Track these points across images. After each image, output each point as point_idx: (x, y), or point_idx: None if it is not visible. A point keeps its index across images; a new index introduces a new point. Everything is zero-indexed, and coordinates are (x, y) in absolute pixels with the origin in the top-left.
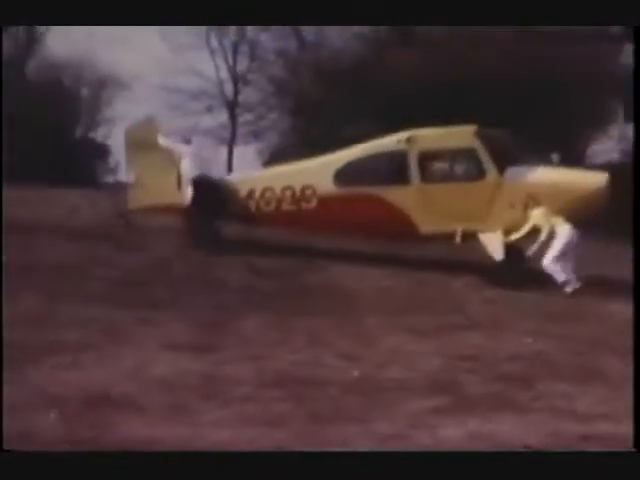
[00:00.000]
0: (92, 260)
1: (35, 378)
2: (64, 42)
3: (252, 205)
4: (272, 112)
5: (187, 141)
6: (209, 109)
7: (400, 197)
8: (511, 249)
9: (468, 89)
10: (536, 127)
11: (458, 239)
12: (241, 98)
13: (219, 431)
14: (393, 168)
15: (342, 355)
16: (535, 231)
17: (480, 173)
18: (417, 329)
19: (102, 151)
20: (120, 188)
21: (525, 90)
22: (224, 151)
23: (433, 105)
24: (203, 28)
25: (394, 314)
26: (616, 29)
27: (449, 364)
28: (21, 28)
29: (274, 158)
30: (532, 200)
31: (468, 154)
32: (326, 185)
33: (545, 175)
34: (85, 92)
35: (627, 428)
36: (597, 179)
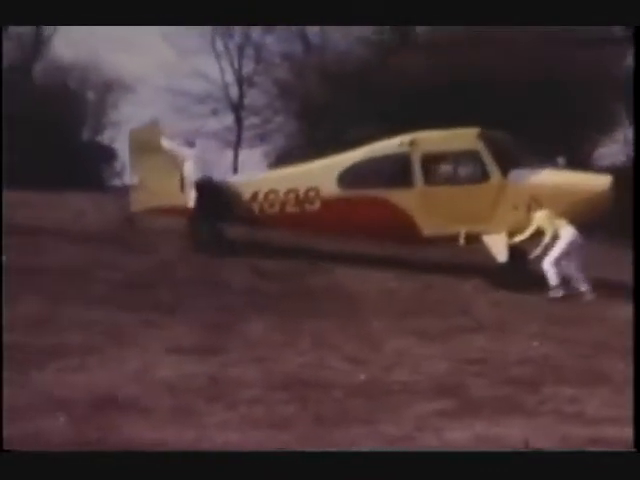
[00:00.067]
0: (97, 263)
1: (41, 381)
2: (70, 45)
3: (256, 207)
4: (278, 115)
5: (190, 144)
6: (214, 112)
7: (403, 199)
8: (515, 251)
9: (473, 91)
10: (542, 130)
11: (462, 241)
12: (247, 101)
13: (225, 433)
14: (396, 170)
15: (348, 358)
16: (538, 233)
17: (484, 175)
18: (423, 332)
19: (108, 154)
20: (126, 191)
21: (530, 93)
22: (229, 154)
23: (438, 108)
24: (208, 31)
25: (400, 317)
26: (621, 32)
27: (455, 367)
28: (27, 31)
29: (280, 161)
30: (535, 202)
31: (471, 156)
32: (330, 187)
33: (548, 177)
34: (91, 95)
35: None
36: (601, 182)
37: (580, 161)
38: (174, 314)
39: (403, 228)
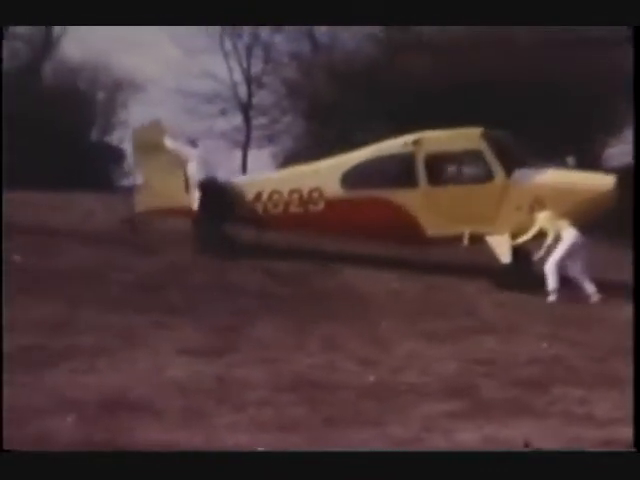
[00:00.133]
0: (107, 264)
1: (52, 382)
2: (79, 46)
3: (259, 208)
4: (286, 115)
5: (193, 144)
6: (223, 112)
7: (407, 200)
8: (519, 252)
9: (481, 92)
10: (551, 131)
11: (465, 242)
12: (255, 101)
13: (234, 435)
14: (400, 171)
15: (357, 359)
16: (541, 234)
17: (487, 175)
18: (432, 333)
19: (117, 155)
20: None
21: (538, 94)
22: (237, 154)
23: (446, 108)
24: (217, 31)
25: (409, 318)
26: (629, 33)
27: (464, 368)
28: (37, 32)
29: (288, 161)
30: (538, 203)
31: (475, 156)
32: (333, 188)
33: (552, 177)
34: (100, 95)
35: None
36: (605, 181)
37: (589, 161)
38: (185, 316)
39: (407, 228)
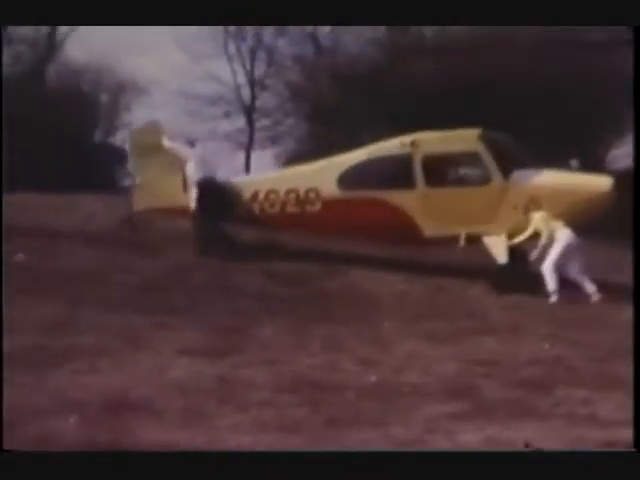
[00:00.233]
0: (109, 265)
1: (55, 382)
2: (83, 48)
3: (256, 207)
4: (289, 117)
5: (191, 144)
6: (227, 114)
7: (404, 201)
8: (515, 253)
9: (484, 94)
10: (555, 133)
11: (462, 242)
12: (258, 103)
13: (236, 436)
14: (397, 171)
15: (359, 360)
16: (537, 235)
17: (485, 177)
18: (434, 334)
19: (120, 156)
20: None
21: (542, 96)
22: (241, 156)
23: (449, 110)
24: (221, 34)
25: (411, 319)
26: (629, 34)
27: (466, 369)
28: (41, 34)
29: (291, 163)
30: (533, 204)
31: (472, 158)
32: (330, 188)
33: (548, 178)
34: (104, 97)
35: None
36: (601, 183)
37: (594, 163)
38: (187, 317)
39: (404, 229)
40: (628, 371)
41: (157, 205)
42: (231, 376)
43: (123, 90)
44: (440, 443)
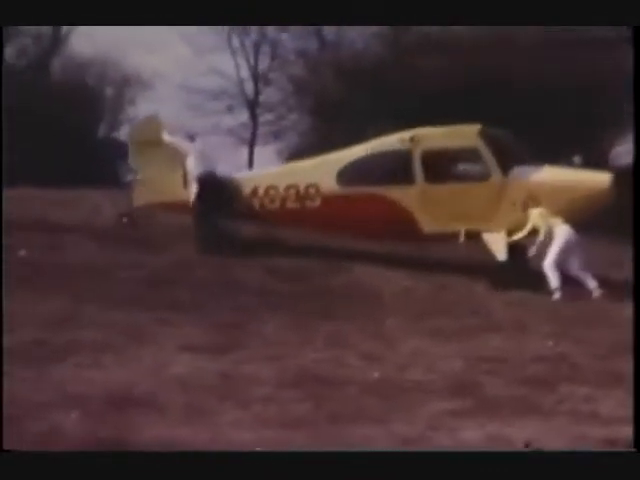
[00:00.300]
0: (112, 261)
1: (58, 377)
2: (88, 42)
3: (256, 203)
4: (292, 112)
5: (191, 138)
6: (230, 108)
7: (404, 196)
8: (515, 250)
9: (487, 91)
10: (558, 129)
11: (462, 239)
12: (262, 98)
13: (239, 432)
14: (396, 167)
15: (362, 356)
16: (536, 231)
17: (484, 173)
18: (438, 331)
19: (125, 151)
20: None
21: (545, 93)
22: (244, 150)
23: (453, 107)
24: (225, 29)
25: (415, 316)
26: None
27: (470, 366)
28: (45, 28)
29: (294, 158)
30: (532, 200)
31: (472, 154)
32: (329, 184)
33: (548, 175)
34: (109, 91)
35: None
36: (601, 179)
37: (596, 160)
38: (190, 313)
39: (403, 225)
40: (629, 368)
41: (157, 200)
42: (233, 372)
43: (128, 84)
44: (443, 440)
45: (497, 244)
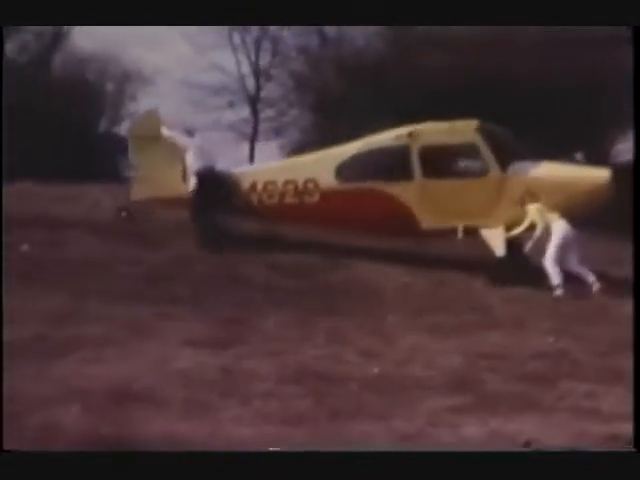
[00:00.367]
0: (114, 256)
1: (59, 372)
2: (89, 38)
3: (254, 198)
4: (293, 108)
5: (190, 133)
6: (231, 104)
7: (402, 192)
8: (514, 245)
9: (488, 89)
10: (560, 126)
11: (460, 235)
12: (263, 94)
13: (239, 428)
14: (395, 163)
15: (362, 353)
16: (533, 227)
17: (482, 169)
18: (438, 327)
19: (125, 146)
20: None
21: (546, 91)
22: (245, 146)
23: (454, 105)
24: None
25: (414, 312)
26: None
27: (470, 363)
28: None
29: (295, 154)
30: (529, 196)
31: (470, 149)
32: (328, 179)
33: (546, 171)
34: (109, 87)
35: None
36: (600, 175)
37: (598, 157)
38: (191, 307)
39: (402, 221)
40: (629, 365)
41: (156, 195)
42: (234, 367)
43: (128, 79)
44: (443, 436)
45: (495, 240)
